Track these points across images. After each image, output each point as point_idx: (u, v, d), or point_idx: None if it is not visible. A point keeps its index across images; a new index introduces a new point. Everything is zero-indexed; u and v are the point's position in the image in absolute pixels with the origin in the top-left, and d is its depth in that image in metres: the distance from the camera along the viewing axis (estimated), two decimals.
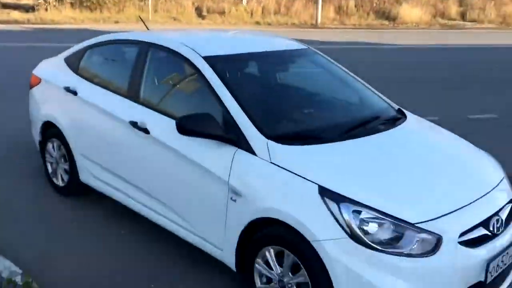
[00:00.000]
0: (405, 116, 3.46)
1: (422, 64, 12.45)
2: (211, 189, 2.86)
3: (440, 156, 2.99)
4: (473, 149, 3.22)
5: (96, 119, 3.72)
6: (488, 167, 3.04)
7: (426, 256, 2.32)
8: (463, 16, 25.87)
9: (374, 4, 25.27)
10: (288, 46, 3.85)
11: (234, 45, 3.64)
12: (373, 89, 3.79)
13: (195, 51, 3.22)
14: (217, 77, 3.03)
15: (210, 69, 3.08)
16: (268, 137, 2.76)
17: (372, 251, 2.30)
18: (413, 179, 2.66)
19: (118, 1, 22.84)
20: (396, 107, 3.64)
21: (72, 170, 4.04)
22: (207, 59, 3.16)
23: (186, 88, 3.37)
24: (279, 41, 4.05)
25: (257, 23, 22.72)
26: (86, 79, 3.97)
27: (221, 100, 2.93)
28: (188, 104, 3.32)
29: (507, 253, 2.59)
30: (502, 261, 2.56)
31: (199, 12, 23.97)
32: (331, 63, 3.90)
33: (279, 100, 3.38)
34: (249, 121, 2.81)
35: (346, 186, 2.46)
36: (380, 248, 2.30)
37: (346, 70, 3.90)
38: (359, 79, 3.86)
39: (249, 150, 2.75)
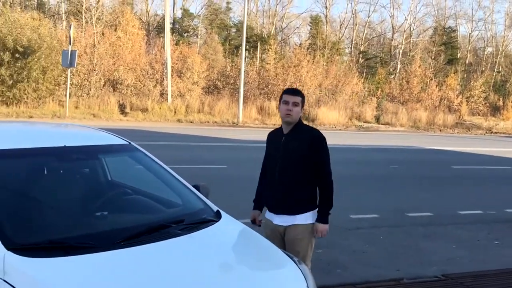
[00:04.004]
0: (218, 219, 3.11)
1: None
2: None
3: (229, 269, 2.61)
4: (276, 258, 2.87)
5: None
6: (288, 281, 2.69)
7: None
8: (377, 119, 27.47)
9: None
10: (99, 140, 3.50)
11: (24, 138, 3.23)
12: (194, 190, 3.46)
13: None
14: None
15: None
16: (10, 247, 2.30)
17: None
18: None
19: (37, 96, 22.33)
20: (215, 208, 3.31)
21: None
22: None
23: None
24: (87, 134, 3.68)
25: (179, 120, 22.85)
26: None
27: None
28: None
29: None
30: None
31: (122, 108, 23.89)
32: (152, 161, 3.58)
33: (55, 203, 2.95)
34: None
35: None
36: None
37: (168, 169, 3.59)
38: (182, 179, 3.55)
39: None
